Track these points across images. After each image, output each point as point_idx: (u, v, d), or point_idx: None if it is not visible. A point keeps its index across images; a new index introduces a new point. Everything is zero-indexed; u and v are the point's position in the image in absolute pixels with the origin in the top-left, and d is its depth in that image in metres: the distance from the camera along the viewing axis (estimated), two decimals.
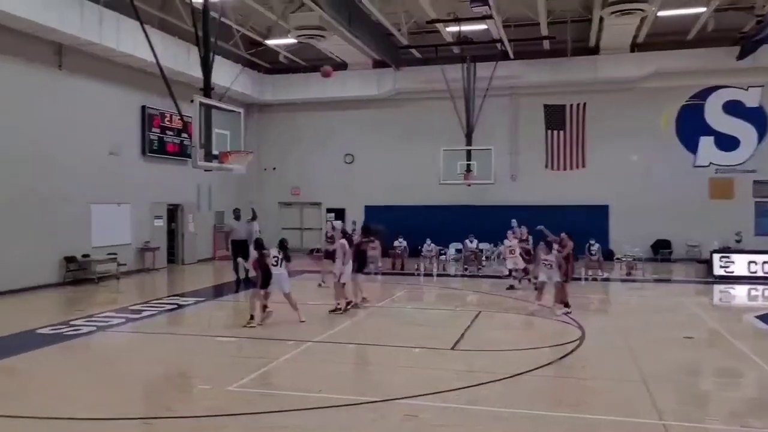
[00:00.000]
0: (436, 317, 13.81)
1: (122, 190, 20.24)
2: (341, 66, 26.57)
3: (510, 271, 17.52)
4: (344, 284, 13.38)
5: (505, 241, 17.97)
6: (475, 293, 16.94)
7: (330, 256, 15.43)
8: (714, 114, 24.31)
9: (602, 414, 6.97)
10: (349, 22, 19.09)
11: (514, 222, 18.67)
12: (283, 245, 12.43)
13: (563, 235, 13.97)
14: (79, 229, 18.45)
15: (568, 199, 24.62)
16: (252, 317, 11.89)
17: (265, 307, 12.10)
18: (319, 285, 16.94)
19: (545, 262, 13.38)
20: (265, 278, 11.96)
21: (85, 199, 18.67)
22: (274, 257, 12.10)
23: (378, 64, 26.12)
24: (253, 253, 12.28)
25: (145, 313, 13.50)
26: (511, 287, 16.68)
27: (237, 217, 18.44)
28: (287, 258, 12.26)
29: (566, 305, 13.19)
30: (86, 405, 7.37)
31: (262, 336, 11.20)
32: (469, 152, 23.46)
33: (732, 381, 8.81)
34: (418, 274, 20.78)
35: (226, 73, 19.62)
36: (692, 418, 6.92)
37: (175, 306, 14.58)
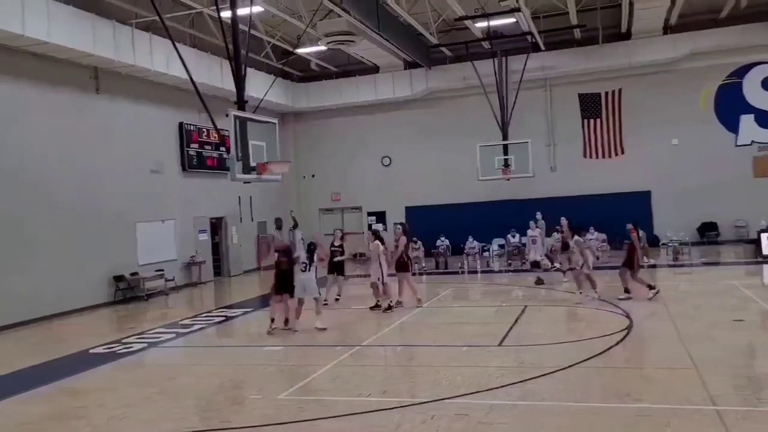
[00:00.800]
0: (482, 314, 13.78)
1: (165, 206, 20.69)
2: (373, 69, 26.73)
3: (533, 263, 17.35)
4: (385, 284, 13.49)
5: (528, 232, 17.75)
6: (520, 288, 16.84)
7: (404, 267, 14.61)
8: (753, 91, 23.72)
9: (655, 403, 6.90)
10: (377, 26, 19.19)
11: (538, 214, 18.74)
12: (310, 249, 12.41)
13: (629, 226, 14.02)
14: (126, 248, 18.92)
15: (609, 187, 24.30)
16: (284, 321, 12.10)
17: (286, 320, 12.17)
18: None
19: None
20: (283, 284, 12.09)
21: (130, 217, 19.13)
22: (302, 263, 12.12)
23: (409, 65, 26.20)
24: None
25: (194, 327, 13.79)
26: (540, 281, 16.52)
27: (279, 227, 18.63)
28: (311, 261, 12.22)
29: (626, 291, 13.34)
30: (145, 421, 7.58)
31: (310, 343, 11.35)
32: (506, 147, 23.34)
33: None
34: (462, 272, 20.75)
35: (259, 85, 19.90)
36: (746, 402, 6.80)
37: (224, 318, 14.86)
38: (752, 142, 23.80)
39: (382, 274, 13.59)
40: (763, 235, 18.60)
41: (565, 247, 15.76)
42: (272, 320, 12.16)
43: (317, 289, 12.29)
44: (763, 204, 22.04)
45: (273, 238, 18.99)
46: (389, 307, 13.58)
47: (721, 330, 10.33)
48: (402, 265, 14.05)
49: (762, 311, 11.80)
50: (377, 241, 13.84)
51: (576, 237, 14.22)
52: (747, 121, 23.80)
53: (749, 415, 6.42)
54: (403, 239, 14.14)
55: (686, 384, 7.50)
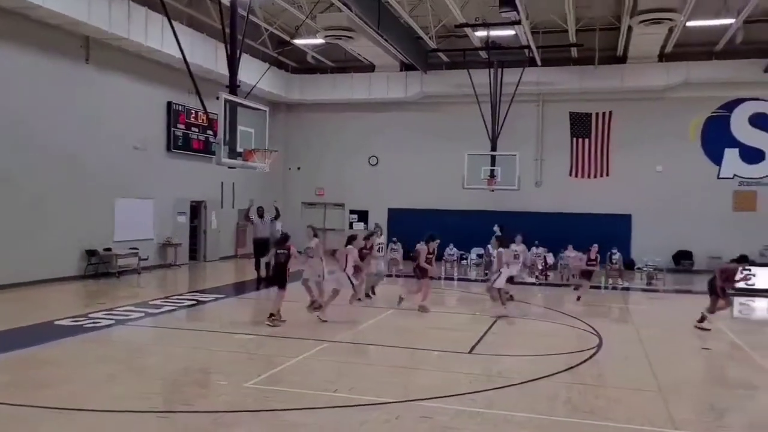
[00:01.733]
0: (455, 321, 13.79)
1: (146, 185, 20.50)
2: (369, 68, 26.70)
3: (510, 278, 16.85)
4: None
5: (512, 246, 16.79)
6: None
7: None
8: (740, 126, 24.06)
9: (618, 422, 6.94)
10: (377, 24, 19.17)
11: (496, 228, 19.04)
12: (281, 241, 12.46)
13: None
14: (102, 223, 18.71)
15: (591, 207, 24.52)
16: (272, 315, 11.96)
17: (274, 313, 12.04)
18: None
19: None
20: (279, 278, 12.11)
21: (110, 192, 18.93)
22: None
23: (406, 67, 26.21)
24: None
25: (164, 308, 13.67)
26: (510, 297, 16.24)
27: (260, 215, 18.56)
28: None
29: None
30: (108, 397, 7.49)
31: (281, 334, 11.29)
32: (493, 157, 23.44)
33: (748, 393, 8.70)
34: (439, 278, 20.74)
35: (252, 71, 19.77)
36: (708, 429, 6.87)
37: (195, 302, 14.73)
38: (734, 175, 24.12)
39: (323, 272, 13.40)
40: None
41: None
42: (275, 313, 11.99)
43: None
44: (739, 238, 22.34)
45: (252, 223, 18.84)
46: (318, 306, 13.05)
47: (688, 357, 10.45)
48: (423, 271, 13.92)
49: (729, 342, 11.93)
50: (316, 238, 13.60)
51: (500, 248, 14.37)
52: (731, 155, 24.13)
53: None
54: (424, 247, 14.03)
55: (650, 406, 7.56)
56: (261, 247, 18.25)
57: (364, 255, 14.45)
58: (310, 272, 13.29)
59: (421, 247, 14.17)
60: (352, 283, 13.41)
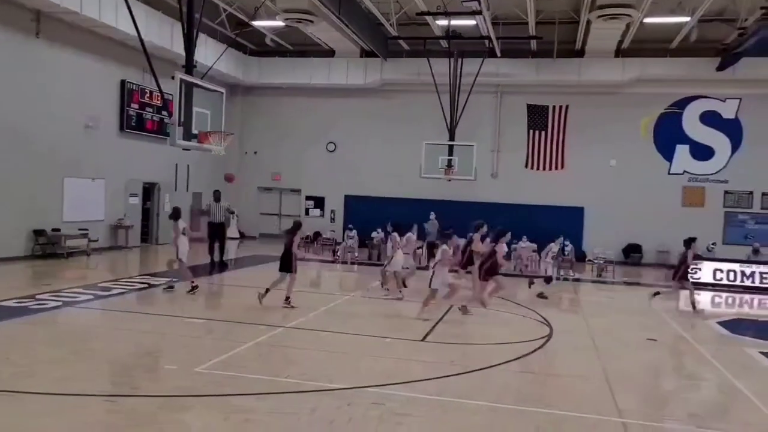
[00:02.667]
0: (408, 309, 13.84)
1: (97, 165, 20.00)
2: (329, 53, 26.48)
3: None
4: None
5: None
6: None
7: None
8: (691, 123, 24.69)
9: (565, 410, 7.07)
10: (338, 9, 18.99)
11: (432, 214, 19.47)
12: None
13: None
14: (51, 203, 18.22)
15: (546, 199, 24.90)
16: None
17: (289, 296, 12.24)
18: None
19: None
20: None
21: (58, 172, 18.42)
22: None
23: (366, 54, 26.08)
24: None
25: (114, 291, 13.38)
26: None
27: (217, 199, 18.33)
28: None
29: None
30: (51, 380, 7.30)
31: (233, 319, 11.18)
32: (451, 147, 23.54)
33: (691, 383, 8.98)
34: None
35: (210, 52, 19.45)
36: (651, 418, 7.05)
37: (146, 285, 14.46)
38: (684, 171, 24.76)
39: (177, 252, 13.53)
40: None
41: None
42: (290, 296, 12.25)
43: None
44: (687, 232, 22.76)
45: (208, 207, 18.55)
46: (192, 289, 13.44)
47: (634, 347, 10.70)
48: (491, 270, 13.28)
49: (674, 333, 12.27)
50: (180, 220, 13.67)
51: (394, 233, 14.67)
52: (682, 152, 24.76)
53: (652, 430, 6.66)
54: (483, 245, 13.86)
55: (597, 395, 7.73)
56: (216, 231, 18.05)
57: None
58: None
59: (499, 246, 13.51)
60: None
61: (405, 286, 14.84)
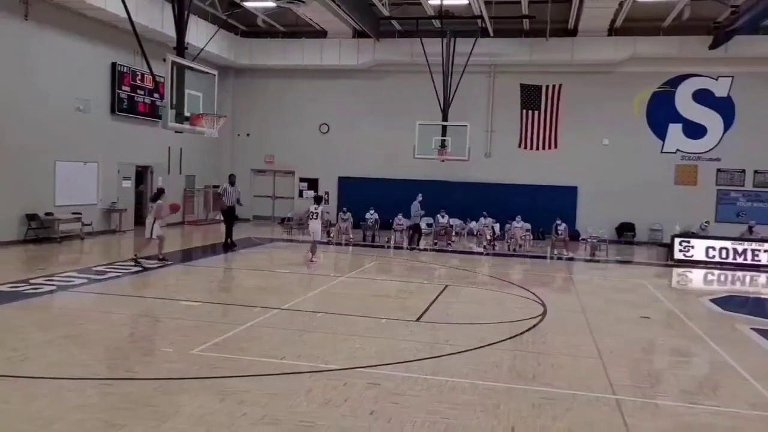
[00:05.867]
0: (403, 289, 13.91)
1: (89, 148, 19.88)
2: (321, 34, 26.30)
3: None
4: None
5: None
6: (443, 267, 17.09)
7: None
8: (684, 102, 24.68)
9: (559, 388, 7.14)
10: None
11: (419, 196, 20.90)
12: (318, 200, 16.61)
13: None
14: (43, 187, 18.13)
15: (539, 179, 24.95)
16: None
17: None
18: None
19: None
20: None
21: (51, 155, 18.31)
22: (313, 212, 16.16)
23: (358, 34, 25.90)
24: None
25: (108, 275, 13.37)
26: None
27: (232, 183, 18.63)
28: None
29: None
30: (46, 364, 7.32)
31: (228, 302, 11.20)
32: (444, 128, 23.48)
33: (684, 360, 9.07)
34: (389, 247, 20.87)
35: (201, 34, 19.30)
36: (644, 395, 7.12)
37: (141, 269, 14.44)
38: (677, 150, 24.80)
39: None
40: (676, 240, 19.50)
41: None
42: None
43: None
44: (679, 211, 23.12)
45: (224, 191, 18.67)
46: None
47: (627, 325, 10.78)
48: None
49: (667, 311, 12.37)
50: (160, 201, 15.13)
51: (314, 205, 16.45)
52: (675, 130, 24.77)
53: (645, 406, 6.73)
54: None
55: (590, 373, 7.80)
56: (227, 214, 18.65)
57: None
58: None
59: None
60: None
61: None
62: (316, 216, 16.19)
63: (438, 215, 21.86)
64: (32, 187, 17.70)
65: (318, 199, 17.01)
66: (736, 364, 8.46)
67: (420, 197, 21.48)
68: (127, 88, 21.39)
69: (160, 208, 15.05)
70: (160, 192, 15.64)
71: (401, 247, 20.89)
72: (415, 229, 21.24)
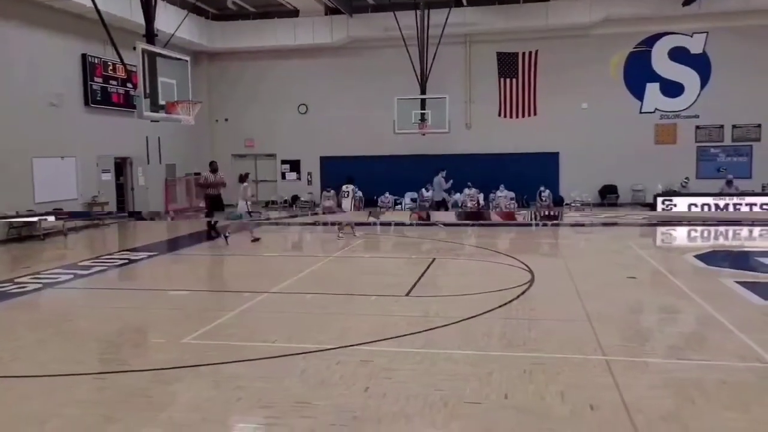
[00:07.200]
0: (391, 265, 13.96)
1: (65, 143, 19.64)
2: (293, 13, 26.00)
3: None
4: None
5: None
6: (430, 241, 17.14)
7: None
8: (660, 60, 24.75)
9: (550, 352, 7.23)
10: None
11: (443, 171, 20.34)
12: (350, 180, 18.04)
13: None
14: (21, 185, 17.90)
15: (521, 146, 24.99)
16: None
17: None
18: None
19: None
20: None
21: (26, 153, 18.07)
22: (345, 191, 17.91)
23: (331, 11, 25.63)
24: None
25: (94, 269, 13.28)
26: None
27: (214, 171, 18.31)
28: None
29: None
30: (37, 363, 7.29)
31: (217, 288, 11.19)
32: (423, 101, 23.41)
33: (671, 317, 9.20)
34: (375, 224, 20.89)
35: (170, 19, 18.97)
36: (633, 353, 7.23)
37: (126, 261, 14.37)
38: (655, 109, 24.92)
39: None
40: (659, 199, 19.69)
41: None
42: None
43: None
44: (660, 170, 23.30)
45: (205, 180, 18.42)
46: None
47: (615, 287, 10.90)
48: None
49: (653, 270, 12.52)
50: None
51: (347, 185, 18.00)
52: (652, 90, 24.87)
53: (634, 365, 6.83)
54: None
55: (580, 336, 7.89)
56: (215, 202, 18.21)
57: None
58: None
59: None
60: None
61: None
62: (347, 195, 18.01)
63: (422, 189, 21.88)
64: (10, 185, 17.45)
65: (351, 180, 18.35)
66: (722, 317, 8.59)
67: (443, 173, 21.35)
68: (100, 80, 21.09)
69: (246, 189, 16.62)
70: (246, 175, 17.33)
71: (388, 224, 20.90)
72: (441, 204, 21.21)
